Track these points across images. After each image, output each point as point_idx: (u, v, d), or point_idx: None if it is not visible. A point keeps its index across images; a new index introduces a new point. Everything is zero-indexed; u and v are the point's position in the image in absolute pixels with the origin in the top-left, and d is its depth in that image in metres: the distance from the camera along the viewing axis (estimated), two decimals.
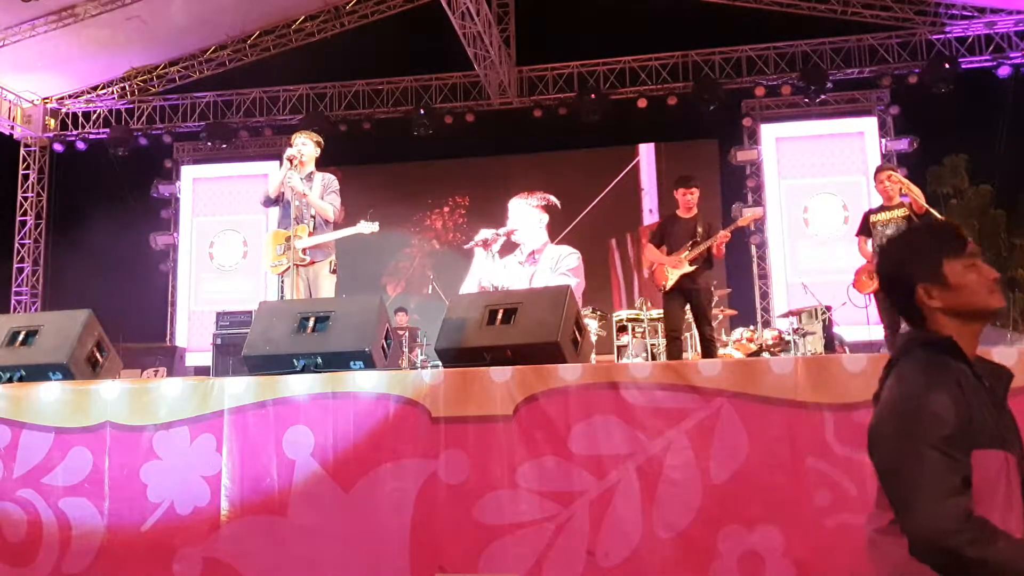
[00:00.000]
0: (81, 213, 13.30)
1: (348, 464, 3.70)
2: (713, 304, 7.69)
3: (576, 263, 12.64)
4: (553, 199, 12.92)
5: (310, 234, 5.75)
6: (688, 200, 6.51)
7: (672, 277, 6.33)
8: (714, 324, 8.57)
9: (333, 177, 6.03)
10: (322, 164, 6.16)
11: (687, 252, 6.32)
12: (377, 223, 5.91)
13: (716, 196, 12.04)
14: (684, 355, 6.75)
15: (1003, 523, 1.70)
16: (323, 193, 5.88)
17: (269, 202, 5.98)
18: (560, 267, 12.58)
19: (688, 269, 6.30)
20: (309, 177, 5.93)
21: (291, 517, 3.71)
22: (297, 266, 5.64)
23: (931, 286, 1.86)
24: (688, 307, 6.48)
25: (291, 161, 5.80)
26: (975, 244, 1.90)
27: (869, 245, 6.48)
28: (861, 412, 3.35)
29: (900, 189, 6.45)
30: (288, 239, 5.69)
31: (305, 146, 5.97)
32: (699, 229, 6.40)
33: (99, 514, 3.88)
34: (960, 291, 1.85)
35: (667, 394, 3.49)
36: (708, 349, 6.46)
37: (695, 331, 6.73)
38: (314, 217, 5.82)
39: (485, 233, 12.62)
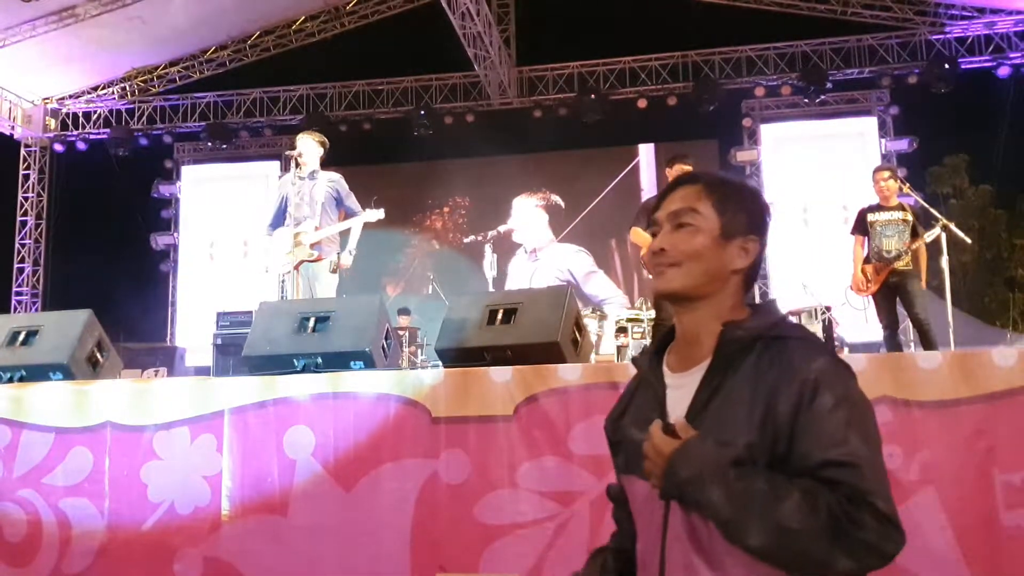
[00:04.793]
0: (81, 213, 13.32)
1: (349, 464, 3.69)
2: None
3: (590, 261, 12.69)
4: (555, 198, 12.94)
5: (316, 229, 5.77)
6: None
7: None
8: None
9: (340, 177, 6.07)
10: (323, 164, 6.18)
11: None
12: (382, 210, 5.94)
13: None
14: None
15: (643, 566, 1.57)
16: (341, 196, 5.94)
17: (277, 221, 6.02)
18: (582, 267, 12.63)
19: None
20: (312, 176, 5.95)
21: (292, 517, 3.71)
22: (304, 262, 5.67)
23: None
24: None
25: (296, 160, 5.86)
26: (679, 209, 1.54)
27: (866, 244, 6.47)
28: None
29: (898, 189, 6.45)
30: (295, 236, 5.70)
31: (305, 145, 5.99)
32: None
33: (99, 514, 3.88)
34: None
35: None
36: None
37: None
38: (318, 215, 5.85)
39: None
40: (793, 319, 8.49)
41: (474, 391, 3.66)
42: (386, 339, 4.30)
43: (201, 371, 10.70)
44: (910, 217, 6.30)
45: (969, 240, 6.63)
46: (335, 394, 3.78)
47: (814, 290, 9.19)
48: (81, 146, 13.80)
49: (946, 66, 11.51)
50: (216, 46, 13.22)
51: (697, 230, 1.52)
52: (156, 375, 8.98)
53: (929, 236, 6.23)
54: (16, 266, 13.58)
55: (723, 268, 1.52)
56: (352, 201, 6.00)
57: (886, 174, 6.42)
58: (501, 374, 3.65)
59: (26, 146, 13.86)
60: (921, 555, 3.22)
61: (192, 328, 13.28)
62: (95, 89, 13.71)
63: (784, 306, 6.11)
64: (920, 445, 3.27)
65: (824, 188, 12.14)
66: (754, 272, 1.57)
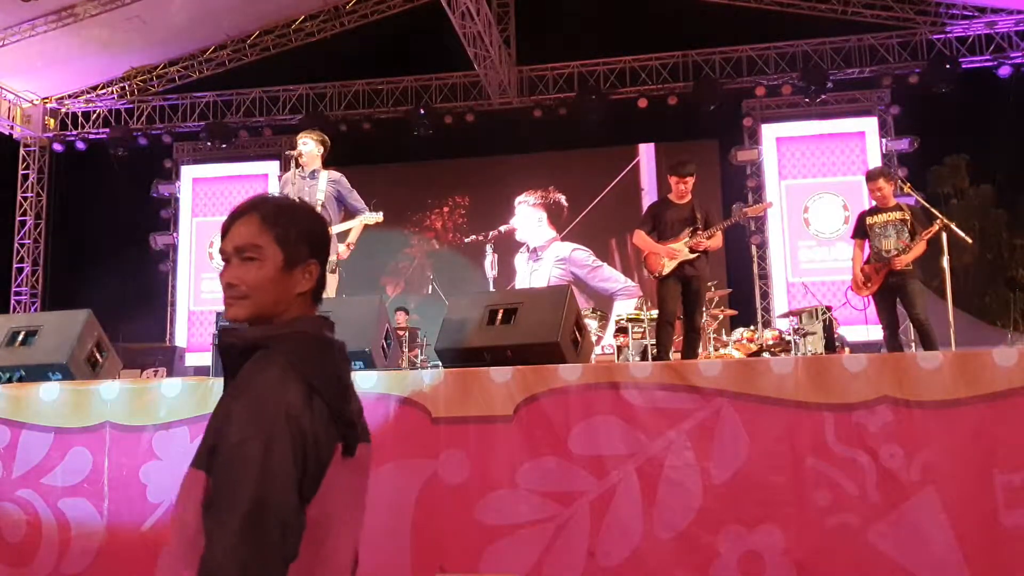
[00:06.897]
0: (81, 213, 13.31)
1: None
2: (707, 295, 7.66)
3: (592, 256, 12.68)
4: (559, 196, 12.94)
5: None
6: (682, 189, 6.20)
7: (669, 265, 6.09)
8: (715, 324, 8.60)
9: (341, 176, 6.05)
10: (324, 163, 6.17)
11: (687, 239, 6.09)
12: (381, 213, 5.95)
13: (716, 196, 12.03)
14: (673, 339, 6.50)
15: None
16: (343, 195, 5.92)
17: None
18: (584, 264, 12.65)
19: (690, 256, 6.08)
20: (313, 175, 5.94)
21: None
22: None
23: None
24: (682, 294, 6.17)
25: (297, 160, 5.85)
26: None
27: (866, 247, 6.46)
28: (861, 412, 3.35)
29: (895, 191, 6.44)
30: None
31: (305, 145, 5.98)
32: (697, 215, 6.15)
33: (99, 514, 3.87)
34: None
35: (667, 394, 3.49)
36: (694, 343, 6.20)
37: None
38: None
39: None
40: (793, 319, 8.51)
41: (474, 391, 3.66)
42: (386, 339, 4.30)
43: (201, 371, 10.70)
44: (908, 216, 6.28)
45: (970, 240, 6.61)
46: None
47: (814, 290, 9.19)
48: (80, 146, 13.79)
49: (947, 66, 11.49)
50: (215, 46, 13.22)
51: (262, 263, 1.63)
52: (155, 375, 8.98)
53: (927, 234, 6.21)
54: (15, 266, 13.58)
55: (288, 293, 1.66)
56: (355, 198, 6.00)
57: (880, 180, 6.38)
58: (501, 374, 3.65)
59: (25, 146, 13.85)
60: (921, 555, 3.22)
61: (192, 328, 13.29)
62: (94, 89, 13.71)
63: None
64: (920, 445, 3.27)
65: (824, 188, 12.14)
66: (319, 288, 1.71)
